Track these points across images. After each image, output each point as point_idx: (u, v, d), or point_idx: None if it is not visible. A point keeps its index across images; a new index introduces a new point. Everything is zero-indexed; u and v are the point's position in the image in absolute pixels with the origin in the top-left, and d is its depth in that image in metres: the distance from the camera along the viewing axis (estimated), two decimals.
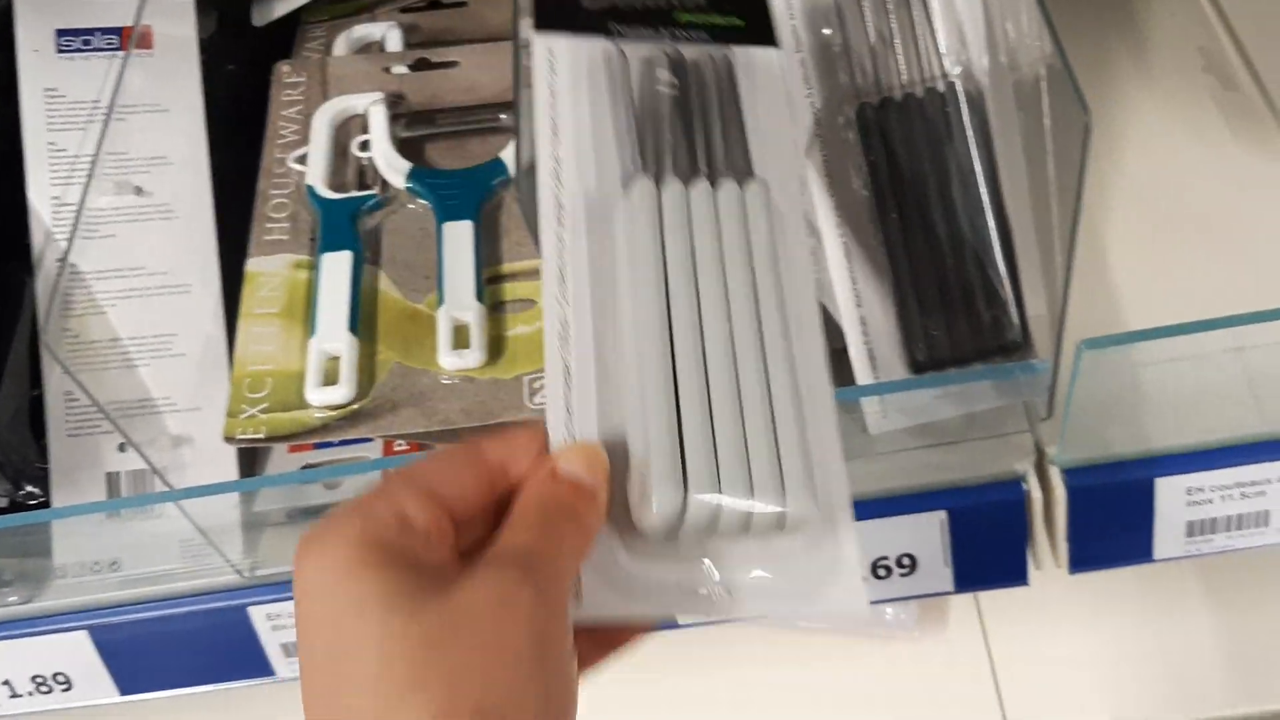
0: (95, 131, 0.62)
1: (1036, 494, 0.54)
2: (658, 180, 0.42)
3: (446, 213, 0.60)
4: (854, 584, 0.38)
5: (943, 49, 0.53)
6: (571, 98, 0.43)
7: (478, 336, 0.56)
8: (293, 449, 0.59)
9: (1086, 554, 0.54)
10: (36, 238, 0.63)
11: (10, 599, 0.60)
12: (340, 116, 0.64)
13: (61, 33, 0.66)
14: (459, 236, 0.59)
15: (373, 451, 0.59)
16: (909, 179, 0.53)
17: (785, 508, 0.37)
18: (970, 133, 0.53)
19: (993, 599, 0.76)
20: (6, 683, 0.62)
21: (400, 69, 0.66)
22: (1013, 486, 0.53)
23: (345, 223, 0.60)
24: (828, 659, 0.76)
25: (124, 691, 0.62)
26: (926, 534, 0.54)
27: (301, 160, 0.63)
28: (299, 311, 0.58)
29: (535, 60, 0.44)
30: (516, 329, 0.57)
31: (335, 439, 0.56)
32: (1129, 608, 0.74)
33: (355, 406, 0.56)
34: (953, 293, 0.52)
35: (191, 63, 0.66)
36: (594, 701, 0.78)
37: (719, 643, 0.72)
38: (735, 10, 0.47)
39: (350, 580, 0.32)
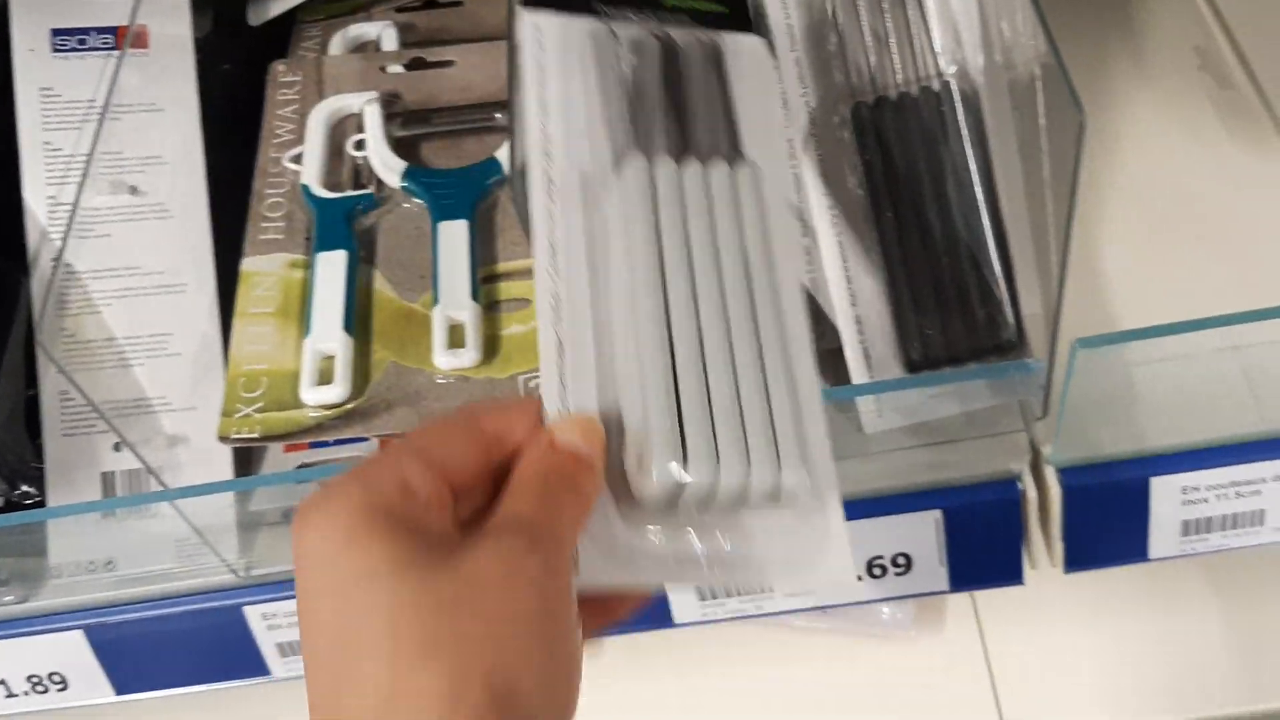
0: (90, 131, 0.62)
1: (1032, 493, 0.54)
2: (650, 159, 0.42)
3: (442, 212, 0.60)
4: (843, 556, 0.39)
5: (938, 48, 0.53)
6: (559, 74, 0.43)
7: (473, 336, 0.56)
8: (288, 448, 0.59)
9: (1082, 553, 0.54)
10: (32, 237, 0.63)
11: (6, 599, 0.60)
12: (335, 116, 0.64)
13: (57, 32, 0.66)
14: (454, 236, 0.59)
15: (368, 451, 0.59)
16: (904, 178, 0.53)
17: (781, 479, 0.37)
18: (965, 132, 0.53)
19: (989, 598, 0.76)
20: (2, 682, 0.62)
21: (396, 68, 0.66)
22: (1008, 486, 0.53)
23: (340, 222, 0.60)
24: (824, 658, 0.76)
25: (120, 691, 0.62)
26: (922, 533, 0.54)
27: (297, 159, 0.63)
28: (294, 311, 0.58)
29: (523, 37, 0.44)
30: (511, 328, 0.57)
31: (330, 438, 0.56)
32: (1126, 607, 0.74)
33: (350, 406, 0.56)
34: (948, 292, 0.52)
35: (187, 62, 0.65)
36: (593, 701, 0.79)
37: (716, 642, 0.72)
38: None
39: (356, 548, 0.32)
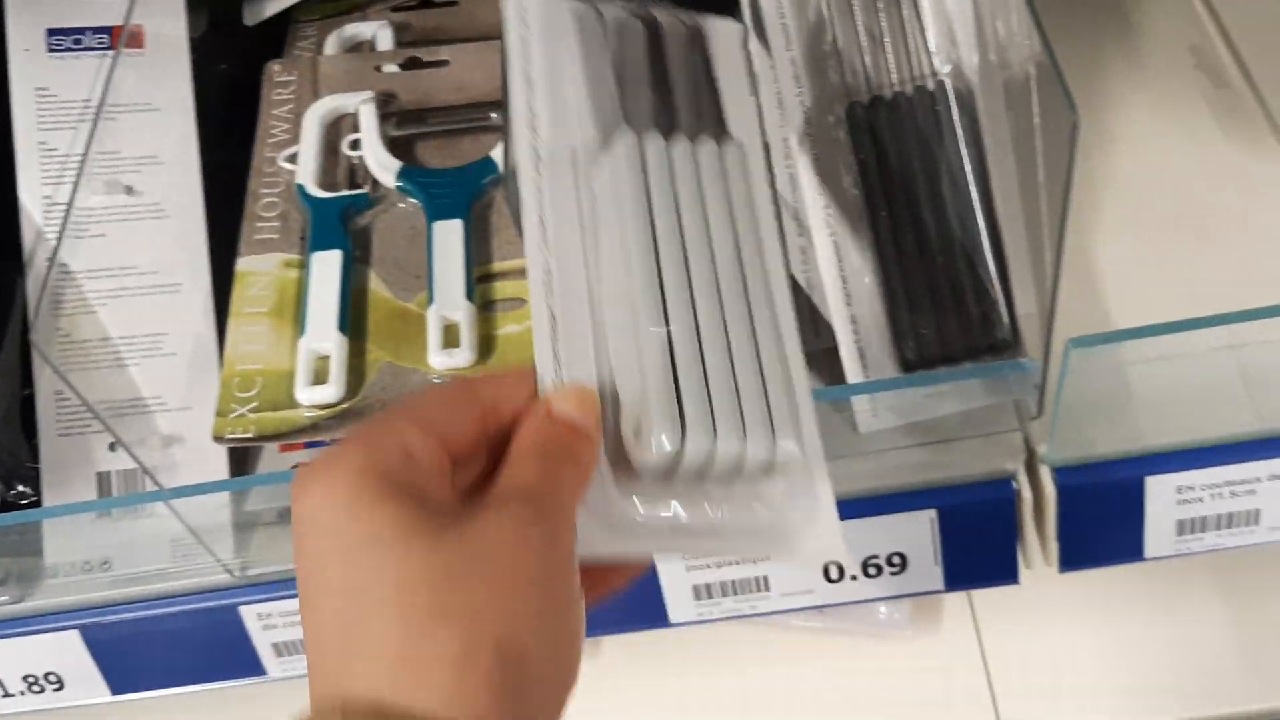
0: (86, 131, 0.62)
1: (1026, 493, 0.54)
2: (639, 135, 0.42)
3: (437, 211, 0.60)
4: (832, 528, 0.39)
5: (932, 47, 0.53)
6: (544, 50, 0.44)
7: (468, 335, 0.56)
8: (283, 448, 0.59)
9: (1077, 553, 0.54)
10: (28, 237, 0.63)
11: (1, 599, 0.60)
12: (331, 115, 0.64)
13: (52, 32, 0.66)
14: (449, 235, 0.59)
15: None
16: (899, 178, 0.53)
17: (776, 451, 0.38)
18: (960, 131, 0.53)
19: (986, 597, 0.76)
20: None
21: (391, 68, 0.66)
22: (1003, 485, 0.53)
23: (335, 221, 0.60)
24: (821, 658, 0.76)
25: (115, 691, 0.62)
26: (916, 533, 0.54)
27: (292, 159, 0.63)
28: (289, 311, 0.58)
29: (507, 12, 0.44)
30: (507, 328, 0.57)
31: (325, 438, 0.56)
32: (1124, 606, 0.74)
33: (345, 406, 0.56)
34: (943, 291, 0.52)
35: (182, 62, 0.65)
36: (591, 702, 0.79)
37: (713, 642, 0.73)
38: None
39: (360, 512, 0.33)
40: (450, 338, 0.56)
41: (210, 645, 0.61)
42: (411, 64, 0.66)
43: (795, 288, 0.55)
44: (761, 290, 0.41)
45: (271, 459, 0.59)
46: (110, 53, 0.65)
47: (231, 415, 0.56)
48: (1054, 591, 0.72)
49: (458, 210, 0.60)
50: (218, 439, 0.56)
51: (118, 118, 0.63)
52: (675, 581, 0.57)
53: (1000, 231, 0.52)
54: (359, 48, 0.69)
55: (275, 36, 0.71)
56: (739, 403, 0.38)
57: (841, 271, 0.54)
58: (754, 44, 0.55)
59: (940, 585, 0.56)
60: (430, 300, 0.57)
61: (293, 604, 0.59)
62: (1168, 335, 0.47)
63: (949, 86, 0.53)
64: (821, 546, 0.39)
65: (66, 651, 0.61)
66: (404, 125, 0.64)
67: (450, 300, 0.57)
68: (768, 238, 0.42)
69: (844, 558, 0.40)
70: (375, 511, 0.32)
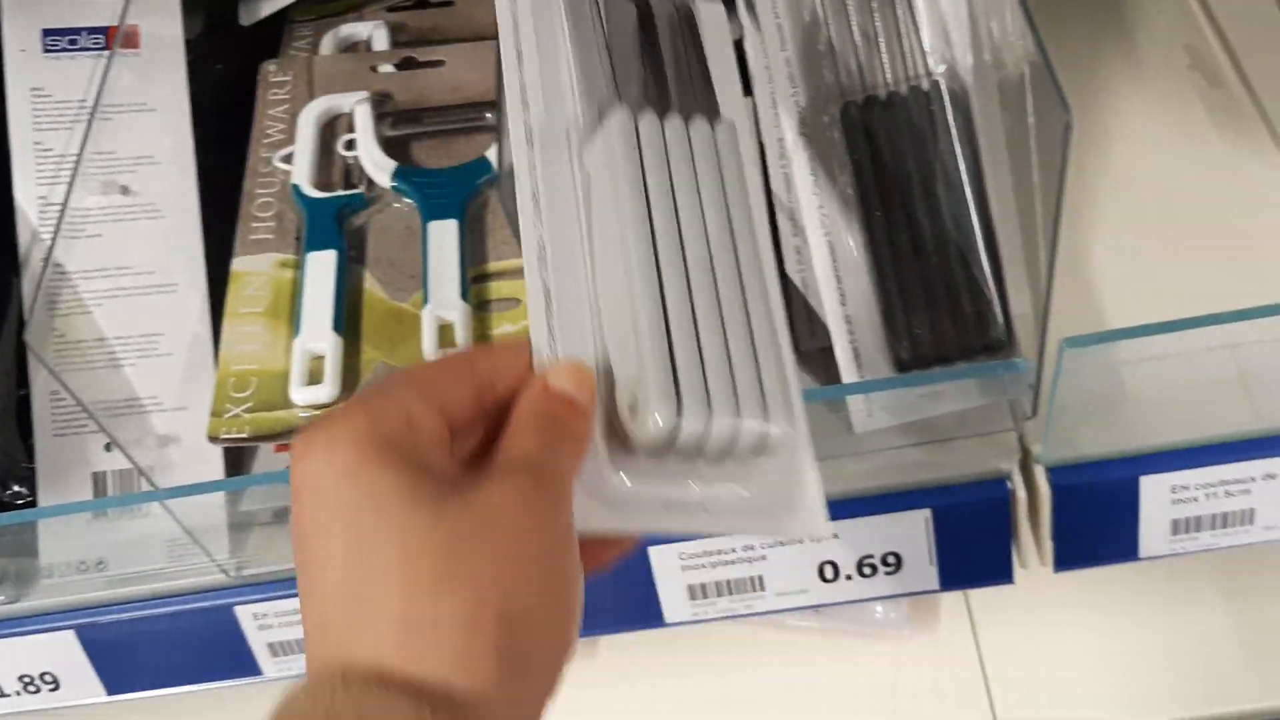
0: (81, 131, 0.62)
1: (1021, 493, 0.54)
2: (633, 112, 0.42)
3: (432, 211, 0.60)
4: (816, 505, 0.40)
5: (927, 47, 0.53)
6: (534, 25, 0.44)
7: (463, 336, 0.56)
8: (279, 448, 0.59)
9: (1071, 553, 0.54)
10: (23, 237, 0.63)
11: None
12: (326, 115, 0.64)
13: (48, 32, 0.66)
14: (444, 235, 0.59)
15: None
16: (893, 177, 0.53)
17: (769, 430, 0.38)
18: (954, 131, 0.53)
19: (983, 597, 0.76)
20: None
21: (387, 68, 0.66)
22: (997, 485, 0.53)
23: (330, 222, 0.60)
24: (818, 657, 0.76)
25: (111, 691, 0.62)
26: (911, 532, 0.54)
27: (287, 159, 0.63)
28: (284, 311, 0.58)
29: None
30: (502, 328, 0.57)
31: None
32: (1120, 606, 0.74)
33: (340, 406, 0.55)
34: (937, 291, 0.52)
35: (178, 62, 0.65)
36: (589, 702, 0.79)
37: (709, 642, 0.73)
38: None
39: (364, 477, 0.33)
40: (445, 338, 0.56)
41: (206, 645, 0.61)
42: (407, 64, 0.66)
43: (790, 288, 0.55)
44: (753, 268, 0.41)
45: (267, 459, 0.59)
46: (106, 53, 0.65)
47: (226, 415, 0.56)
48: (1050, 591, 0.72)
49: (453, 210, 0.60)
50: (213, 439, 0.56)
51: (113, 118, 0.63)
52: (670, 581, 0.57)
53: (995, 231, 0.52)
54: (354, 48, 0.69)
55: (271, 37, 0.71)
56: (733, 380, 0.38)
57: (836, 271, 0.54)
58: (749, 43, 0.55)
59: (935, 585, 0.56)
60: (425, 300, 0.57)
61: (288, 604, 0.59)
62: (1162, 335, 0.47)
63: (943, 86, 0.53)
64: (806, 523, 0.40)
65: (62, 652, 0.61)
66: (399, 125, 0.64)
67: (445, 300, 0.57)
68: (758, 217, 0.42)
69: (827, 534, 0.40)
70: (379, 477, 0.33)
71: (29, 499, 0.60)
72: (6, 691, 0.62)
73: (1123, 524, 0.53)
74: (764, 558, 0.56)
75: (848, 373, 0.53)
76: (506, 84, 0.43)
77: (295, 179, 0.62)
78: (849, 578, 0.56)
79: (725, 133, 0.43)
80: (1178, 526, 0.53)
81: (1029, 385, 0.51)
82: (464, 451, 0.36)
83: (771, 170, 0.54)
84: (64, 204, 0.59)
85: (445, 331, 0.56)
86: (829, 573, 0.56)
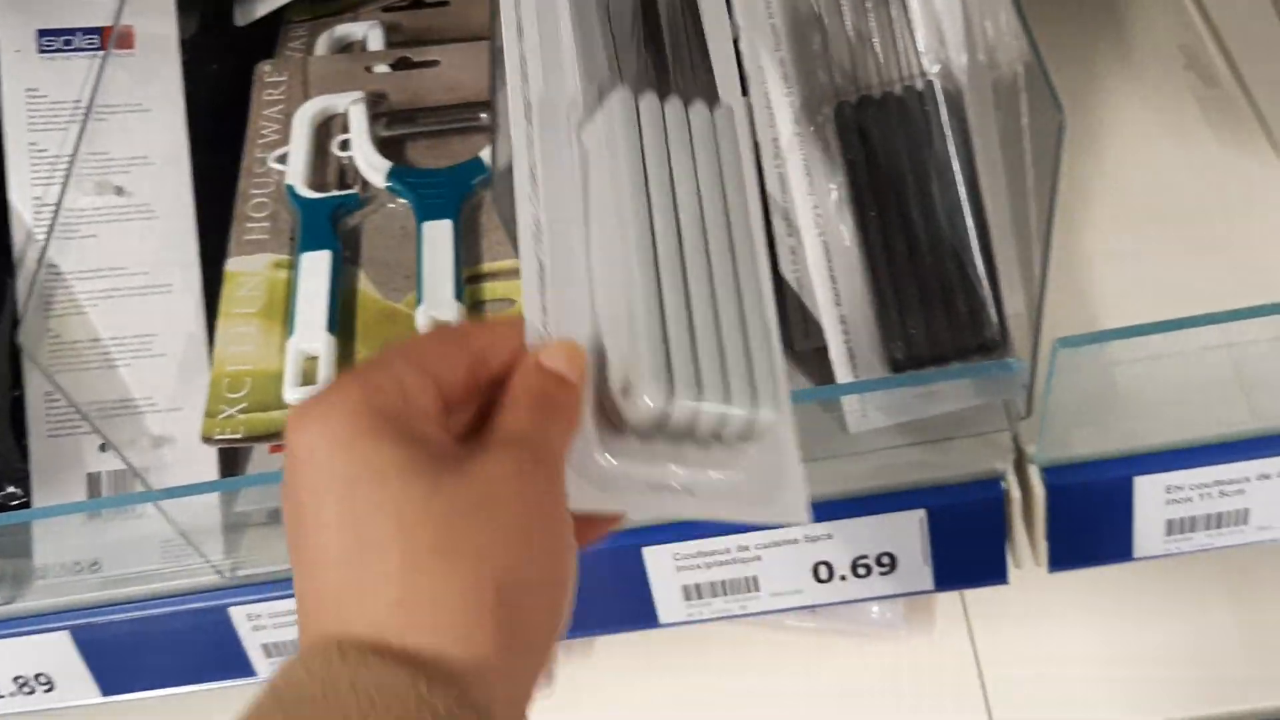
0: (76, 131, 0.62)
1: (1015, 493, 0.53)
2: (634, 92, 0.42)
3: (426, 212, 0.60)
4: (798, 491, 0.40)
5: (921, 47, 0.53)
6: (535, 1, 0.43)
7: None
8: (274, 449, 0.59)
9: (1066, 553, 0.54)
10: (17, 238, 0.63)
11: None
12: (321, 116, 0.64)
13: (43, 33, 0.66)
14: (439, 236, 0.59)
15: None
16: (888, 177, 0.53)
17: (758, 415, 0.38)
18: (949, 131, 0.53)
19: (979, 597, 0.76)
20: None
21: (382, 68, 0.66)
22: (992, 485, 0.53)
23: (324, 222, 0.60)
24: (814, 657, 0.76)
25: (106, 692, 0.62)
26: (906, 532, 0.54)
27: (282, 160, 0.63)
28: (278, 311, 0.58)
29: None
30: None
31: None
32: (1116, 606, 0.74)
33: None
34: (932, 291, 0.52)
35: (173, 62, 0.65)
36: (586, 703, 0.79)
37: (707, 642, 0.73)
38: None
39: (361, 449, 0.33)
40: None
41: (200, 646, 0.61)
42: (402, 64, 0.66)
43: (785, 288, 0.55)
44: (747, 253, 0.41)
45: (261, 460, 0.59)
46: (101, 53, 0.65)
47: (220, 416, 0.56)
48: (1047, 591, 0.72)
49: (447, 211, 0.60)
50: (206, 440, 0.56)
51: (108, 118, 0.63)
52: (664, 582, 0.57)
53: (989, 231, 0.52)
54: (350, 48, 0.69)
55: (266, 37, 0.71)
56: (724, 365, 0.38)
57: (831, 271, 0.54)
58: (744, 43, 0.55)
59: (930, 585, 0.56)
60: (419, 300, 0.57)
61: (282, 605, 0.59)
62: (1156, 335, 0.47)
63: (938, 86, 0.53)
64: (788, 510, 0.40)
65: (57, 653, 0.61)
66: (394, 126, 0.64)
67: (439, 301, 0.57)
68: (753, 204, 0.42)
69: (807, 521, 0.40)
70: (375, 449, 0.33)
71: (23, 500, 0.60)
72: (2, 693, 0.62)
73: (1117, 524, 0.53)
74: (759, 558, 0.56)
75: (842, 373, 0.53)
76: (506, 56, 0.42)
77: (290, 179, 0.62)
78: (843, 578, 0.56)
79: (724, 118, 0.43)
80: (1172, 527, 0.53)
81: (1023, 385, 0.51)
82: (457, 425, 0.36)
83: (766, 170, 0.54)
84: (58, 204, 0.59)
85: None
86: (823, 573, 0.56)
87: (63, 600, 0.60)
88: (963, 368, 0.52)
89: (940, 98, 0.53)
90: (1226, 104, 0.64)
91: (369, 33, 0.69)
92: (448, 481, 0.33)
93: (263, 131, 0.64)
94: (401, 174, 0.61)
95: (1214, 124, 0.63)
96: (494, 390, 0.37)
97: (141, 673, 0.62)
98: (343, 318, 0.58)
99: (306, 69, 0.66)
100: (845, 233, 0.54)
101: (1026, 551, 0.55)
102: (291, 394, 0.55)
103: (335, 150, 0.63)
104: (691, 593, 0.57)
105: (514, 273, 0.58)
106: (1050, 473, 0.53)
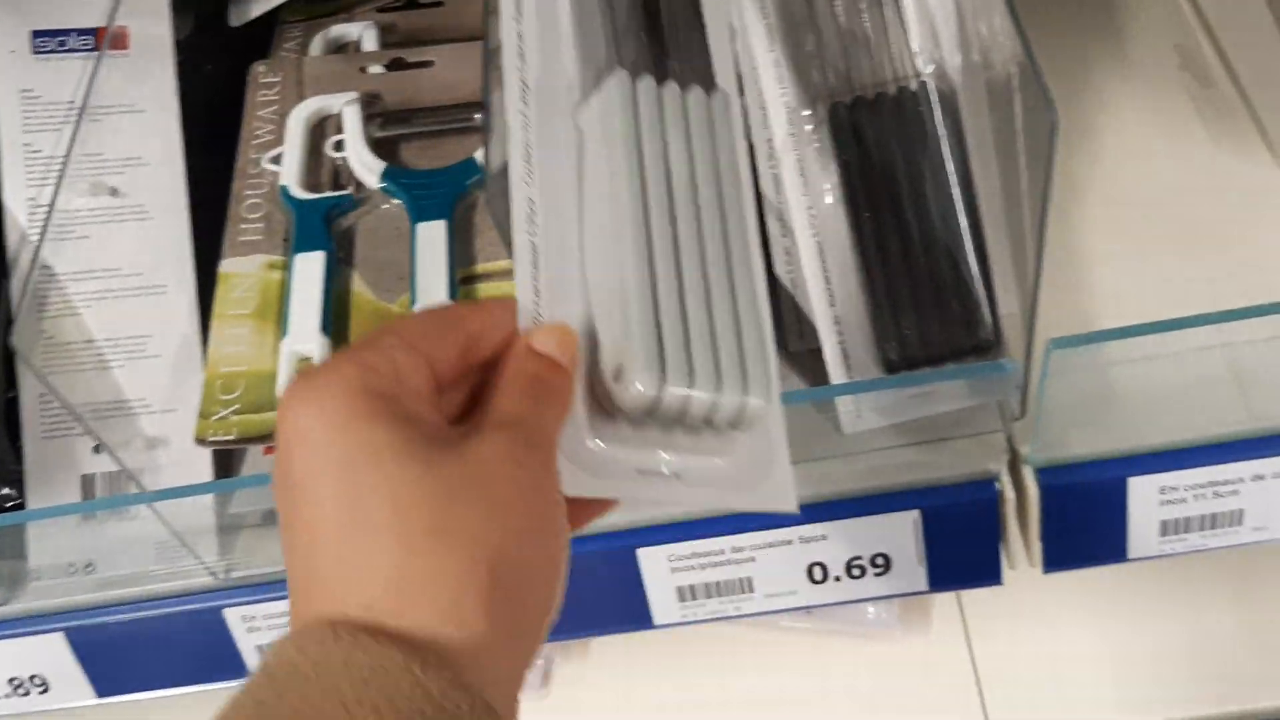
0: (70, 132, 0.62)
1: (1010, 493, 0.53)
2: (631, 76, 0.42)
3: (420, 213, 0.60)
4: (785, 479, 0.40)
5: (915, 48, 0.53)
6: None
7: None
8: (267, 451, 0.59)
9: (1060, 553, 0.54)
10: (12, 239, 0.63)
11: None
12: (315, 117, 0.64)
13: (37, 34, 0.66)
14: (433, 237, 0.59)
15: None
16: (882, 178, 0.53)
17: (748, 403, 0.38)
18: (943, 132, 0.53)
19: (975, 597, 0.76)
20: None
21: (376, 69, 0.66)
22: (986, 486, 0.53)
23: (318, 223, 0.60)
24: (810, 658, 0.76)
25: (101, 694, 0.62)
26: (900, 533, 0.54)
27: (276, 161, 0.63)
28: (272, 312, 0.58)
29: None
30: None
31: None
32: (1112, 607, 0.74)
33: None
34: (925, 292, 0.52)
35: (167, 63, 0.65)
36: (582, 703, 0.79)
37: (703, 642, 0.73)
38: None
39: (355, 430, 0.33)
40: None
41: (195, 648, 0.61)
42: (396, 65, 0.66)
43: (779, 288, 0.55)
44: (740, 241, 0.41)
45: (255, 461, 0.59)
46: (95, 54, 0.65)
47: (214, 417, 0.56)
48: (1043, 592, 0.72)
49: (441, 211, 0.59)
50: (200, 441, 0.56)
51: (102, 119, 0.63)
52: (659, 583, 0.57)
53: (983, 232, 0.52)
54: (344, 49, 0.69)
55: (261, 38, 0.71)
56: (716, 351, 0.38)
57: (825, 272, 0.54)
58: (738, 44, 0.55)
59: (924, 586, 0.56)
60: (413, 301, 0.57)
61: (277, 607, 0.59)
62: (1149, 335, 0.47)
63: (932, 87, 0.53)
64: (776, 498, 0.40)
65: (51, 654, 0.61)
66: (388, 126, 0.64)
67: (433, 301, 0.57)
68: (747, 191, 0.42)
69: (794, 509, 0.40)
70: (370, 430, 0.33)
71: (17, 501, 0.60)
72: None
73: (1111, 525, 0.53)
74: (753, 559, 0.56)
75: (836, 374, 0.53)
76: (504, 35, 0.42)
77: (283, 180, 0.61)
78: (838, 579, 0.56)
79: (720, 104, 0.43)
80: (1166, 527, 0.53)
81: (1016, 386, 0.51)
82: (449, 406, 0.36)
83: (760, 171, 0.54)
84: (51, 205, 0.59)
85: None
86: (818, 574, 0.56)
87: (57, 602, 0.60)
88: (957, 369, 0.52)
89: (934, 98, 0.53)
90: (1222, 104, 0.64)
91: (364, 33, 0.69)
92: (442, 463, 0.33)
93: (257, 132, 0.64)
94: (396, 175, 0.61)
95: (1209, 124, 0.63)
96: (486, 372, 0.37)
97: (136, 674, 0.62)
98: (337, 319, 0.58)
99: (301, 70, 0.66)
100: (839, 233, 0.54)
101: (1021, 552, 0.55)
102: None
103: (329, 151, 0.63)
104: (686, 594, 0.57)
105: (508, 274, 0.58)
106: (1044, 473, 0.53)
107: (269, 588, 0.59)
